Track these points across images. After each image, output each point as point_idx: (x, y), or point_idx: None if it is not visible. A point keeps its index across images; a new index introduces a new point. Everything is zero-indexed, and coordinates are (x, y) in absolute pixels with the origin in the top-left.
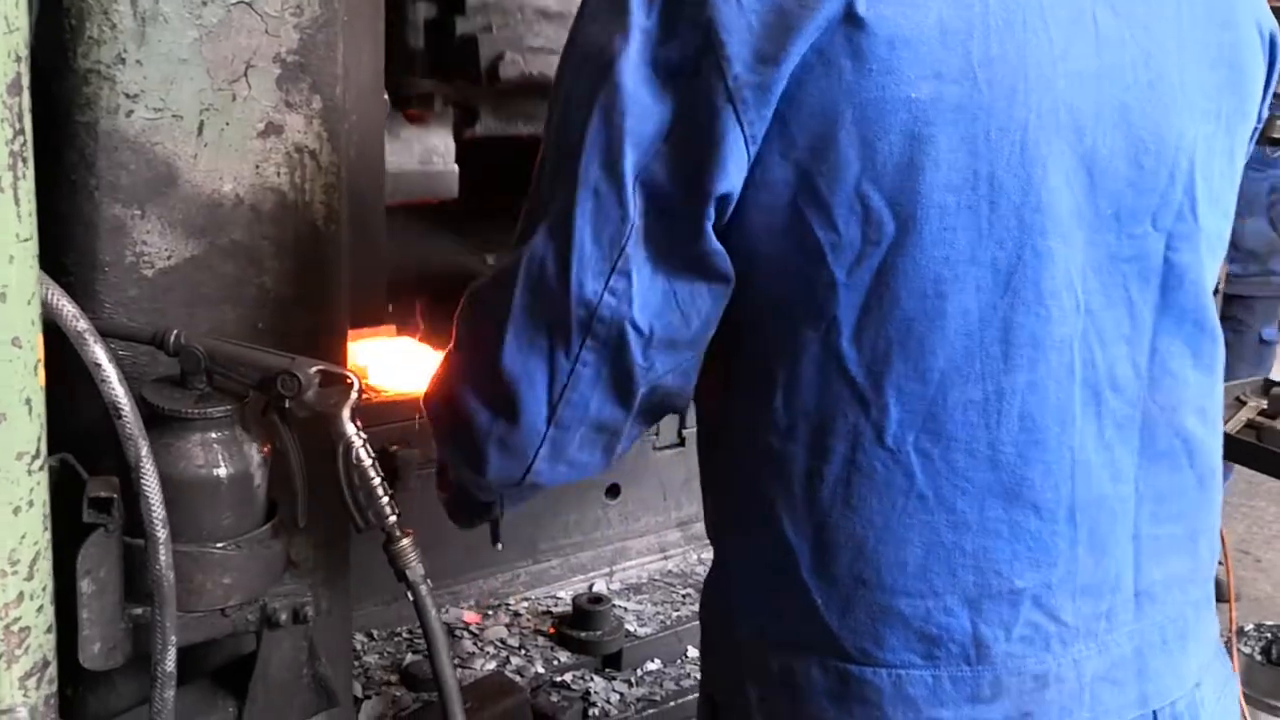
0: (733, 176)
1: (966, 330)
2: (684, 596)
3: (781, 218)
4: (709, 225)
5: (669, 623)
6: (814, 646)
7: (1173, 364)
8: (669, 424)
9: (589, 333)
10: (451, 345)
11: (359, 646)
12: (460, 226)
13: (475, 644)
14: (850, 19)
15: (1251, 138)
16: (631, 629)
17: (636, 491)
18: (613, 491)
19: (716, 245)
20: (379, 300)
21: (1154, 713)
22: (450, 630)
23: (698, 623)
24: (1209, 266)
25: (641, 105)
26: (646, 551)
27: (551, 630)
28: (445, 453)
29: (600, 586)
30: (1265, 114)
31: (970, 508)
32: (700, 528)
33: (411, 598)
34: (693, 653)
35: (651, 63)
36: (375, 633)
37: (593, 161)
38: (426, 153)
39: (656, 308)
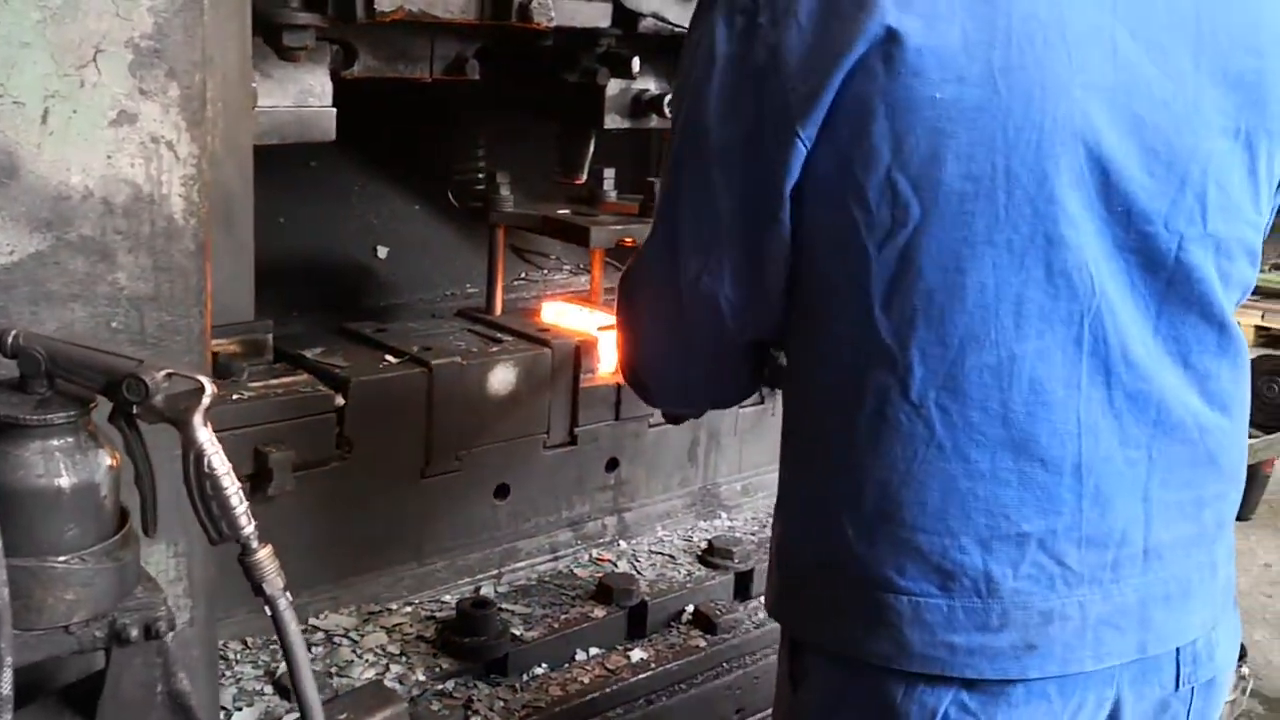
0: (795, 172)
1: (983, 303)
2: (574, 598)
3: (828, 201)
4: (784, 213)
5: (557, 625)
6: (847, 573)
7: (1180, 349)
8: (560, 423)
9: (693, 302)
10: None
11: (232, 655)
12: (338, 171)
13: (354, 651)
14: (886, 33)
15: None
16: (518, 633)
17: (526, 491)
18: (501, 492)
19: (787, 229)
20: (246, 297)
21: (1177, 649)
22: (329, 637)
23: (588, 626)
24: (1223, 267)
25: (720, 123)
26: (536, 552)
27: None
28: (626, 376)
29: (488, 589)
30: None
31: (983, 458)
32: (592, 527)
33: (270, 612)
34: (580, 656)
35: (730, 86)
36: (250, 640)
37: (686, 171)
38: (302, 93)
39: (740, 284)
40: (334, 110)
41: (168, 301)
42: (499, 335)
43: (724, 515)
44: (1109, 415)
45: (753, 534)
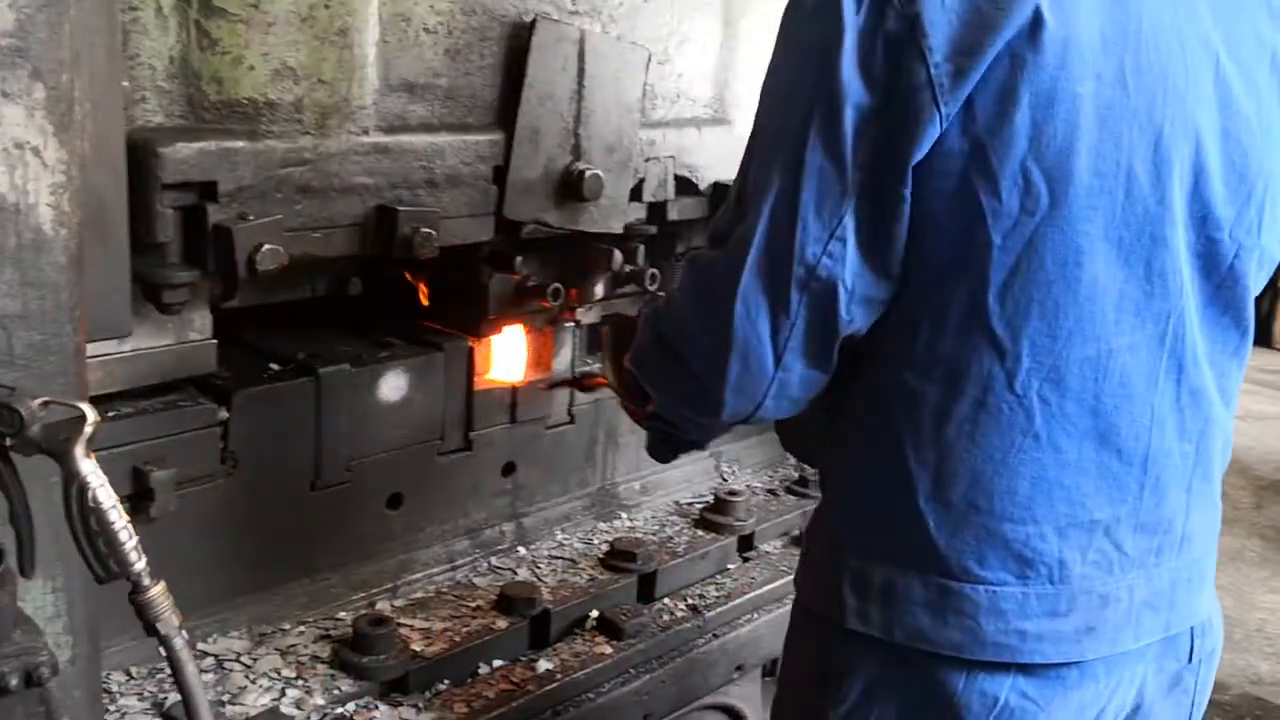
0: (924, 148)
1: (1091, 296)
2: (474, 609)
3: (952, 184)
4: (907, 192)
5: (458, 639)
6: (918, 563)
7: (1209, 347)
8: (454, 428)
9: (806, 290)
10: (669, 307)
11: (116, 687)
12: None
13: (247, 676)
14: (1035, 16)
15: None
16: (418, 649)
17: (420, 500)
18: (394, 501)
19: (909, 206)
20: (123, 311)
21: (1191, 629)
22: (219, 662)
23: (490, 638)
24: (1257, 276)
25: (857, 94)
26: (434, 563)
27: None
28: (668, 401)
29: (384, 604)
30: None
31: (1071, 448)
32: (490, 534)
33: (165, 652)
34: (484, 670)
35: (863, 55)
36: (134, 670)
37: (816, 145)
38: (181, 330)
39: (861, 268)
40: (214, 342)
41: (38, 319)
42: (388, 339)
43: (624, 516)
44: (1175, 410)
45: (654, 534)
